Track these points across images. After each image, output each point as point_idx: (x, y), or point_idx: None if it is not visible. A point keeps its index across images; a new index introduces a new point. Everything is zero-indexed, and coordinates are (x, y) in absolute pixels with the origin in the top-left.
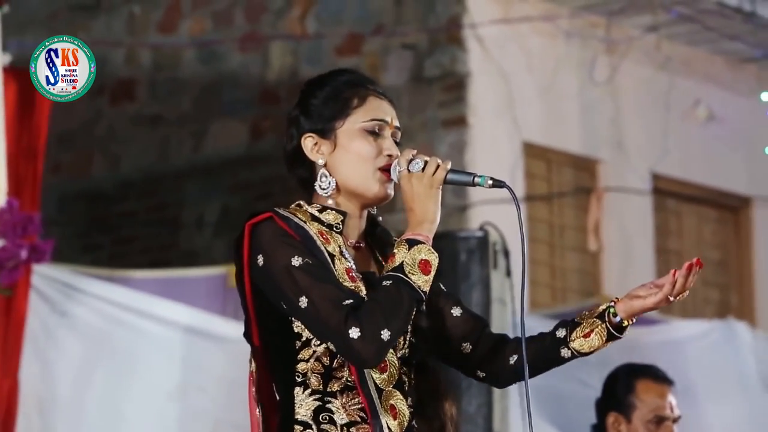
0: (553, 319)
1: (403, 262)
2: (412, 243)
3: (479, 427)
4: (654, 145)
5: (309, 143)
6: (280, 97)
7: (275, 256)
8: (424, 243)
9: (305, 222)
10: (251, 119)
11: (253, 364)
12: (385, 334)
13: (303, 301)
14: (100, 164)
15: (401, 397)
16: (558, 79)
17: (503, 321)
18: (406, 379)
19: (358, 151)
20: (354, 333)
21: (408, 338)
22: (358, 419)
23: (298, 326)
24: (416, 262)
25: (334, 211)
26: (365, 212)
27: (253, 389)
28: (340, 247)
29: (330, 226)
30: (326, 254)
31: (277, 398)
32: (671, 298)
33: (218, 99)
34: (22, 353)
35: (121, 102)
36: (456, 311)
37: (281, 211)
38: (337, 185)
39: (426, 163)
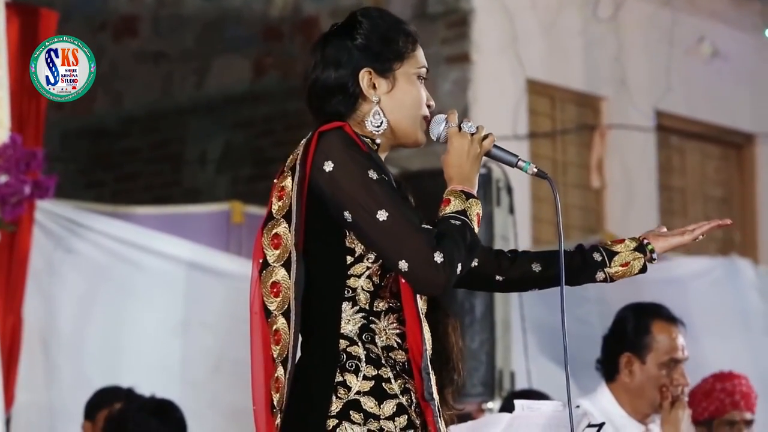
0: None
1: (465, 209)
2: (468, 195)
3: (482, 363)
4: (658, 81)
5: (366, 78)
6: (283, 33)
7: (349, 165)
8: (477, 199)
9: None
10: (254, 56)
11: (278, 275)
12: (459, 267)
13: (382, 214)
14: (102, 101)
15: (427, 327)
16: (562, 15)
17: None
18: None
19: (415, 96)
20: (438, 257)
21: None
22: (395, 344)
23: (351, 240)
24: (474, 214)
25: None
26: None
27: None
28: None
29: None
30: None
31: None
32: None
33: (221, 35)
34: (26, 289)
35: (124, 38)
36: None
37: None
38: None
39: (478, 128)
